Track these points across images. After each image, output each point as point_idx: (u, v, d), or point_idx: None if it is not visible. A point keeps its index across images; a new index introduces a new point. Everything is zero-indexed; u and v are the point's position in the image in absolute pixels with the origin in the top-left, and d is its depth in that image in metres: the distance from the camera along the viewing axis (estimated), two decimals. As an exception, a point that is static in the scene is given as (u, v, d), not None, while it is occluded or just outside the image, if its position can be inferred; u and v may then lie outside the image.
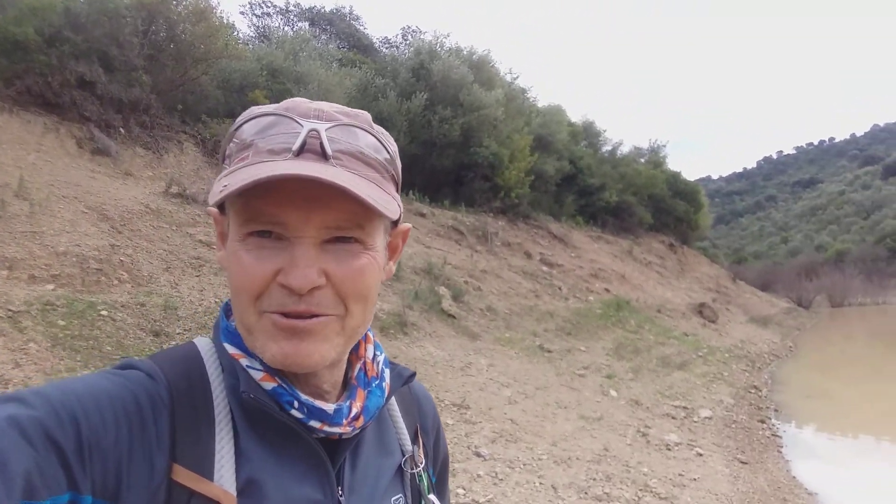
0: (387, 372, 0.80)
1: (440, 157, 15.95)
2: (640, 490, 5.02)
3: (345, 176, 0.62)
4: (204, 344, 0.73)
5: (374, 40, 23.93)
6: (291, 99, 0.69)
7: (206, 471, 0.62)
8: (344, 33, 22.73)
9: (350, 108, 0.71)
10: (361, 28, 23.84)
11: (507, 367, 8.06)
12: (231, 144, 0.68)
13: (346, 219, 0.64)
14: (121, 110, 9.21)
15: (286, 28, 20.18)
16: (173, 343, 5.19)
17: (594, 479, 5.09)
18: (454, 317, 9.19)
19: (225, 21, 11.47)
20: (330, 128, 0.65)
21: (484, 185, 16.64)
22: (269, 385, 0.67)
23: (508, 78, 20.37)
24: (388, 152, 0.71)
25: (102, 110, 8.86)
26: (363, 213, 0.64)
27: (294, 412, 0.67)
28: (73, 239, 5.92)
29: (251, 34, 19.66)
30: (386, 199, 0.65)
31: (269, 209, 0.62)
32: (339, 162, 0.64)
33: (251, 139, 0.65)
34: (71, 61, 8.40)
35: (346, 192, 0.60)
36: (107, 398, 0.60)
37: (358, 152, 0.66)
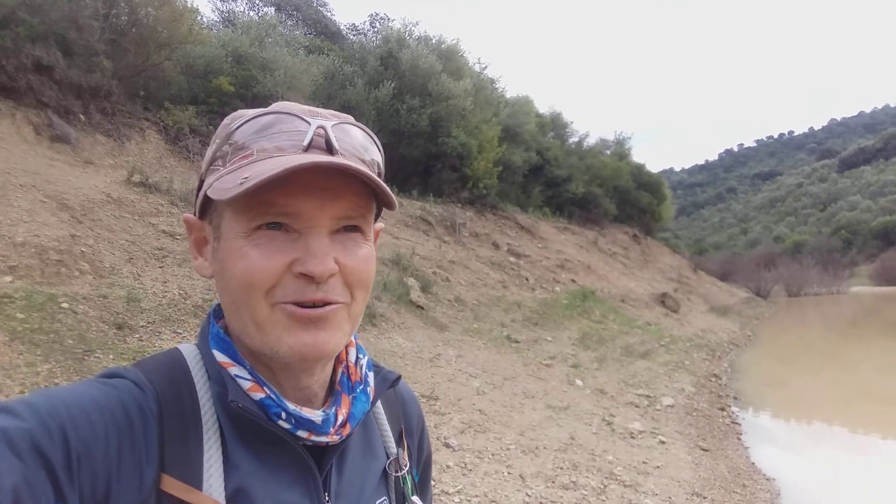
0: (370, 375, 0.79)
1: (408, 147, 15.90)
2: (606, 478, 5.12)
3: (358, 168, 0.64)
4: (189, 351, 0.73)
5: (342, 27, 23.67)
6: (281, 102, 0.70)
7: (195, 480, 0.62)
8: (311, 19, 22.40)
9: (334, 111, 0.72)
10: (328, 14, 23.55)
11: (476, 358, 8.11)
12: (225, 146, 0.68)
13: (353, 209, 0.67)
14: (80, 96, 8.93)
15: (251, 13, 19.75)
16: (137, 336, 5.08)
17: (561, 468, 5.17)
18: (423, 308, 9.20)
19: (188, 5, 11.18)
20: (333, 125, 0.67)
21: (452, 176, 16.65)
22: (258, 395, 0.67)
23: (477, 68, 20.40)
24: (378, 150, 0.73)
25: (61, 96, 8.59)
26: (366, 204, 0.68)
27: (281, 423, 0.67)
28: (32, 229, 5.74)
29: (215, 19, 19.22)
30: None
31: (282, 200, 0.63)
32: (343, 158, 0.65)
33: (251, 139, 0.66)
34: (27, 44, 8.10)
35: (369, 181, 0.64)
36: (95, 408, 0.59)
37: (354, 150, 0.68)
